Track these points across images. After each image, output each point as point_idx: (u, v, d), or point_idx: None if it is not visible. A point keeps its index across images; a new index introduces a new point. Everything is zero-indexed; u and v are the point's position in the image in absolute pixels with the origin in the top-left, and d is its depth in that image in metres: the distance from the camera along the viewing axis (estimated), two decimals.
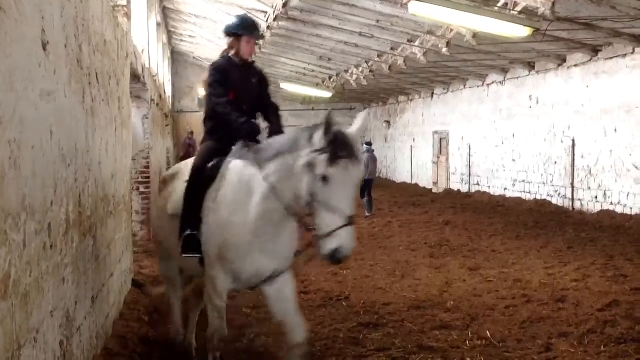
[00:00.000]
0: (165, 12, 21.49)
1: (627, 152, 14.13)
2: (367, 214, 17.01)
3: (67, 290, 4.18)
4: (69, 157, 4.22)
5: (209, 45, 24.63)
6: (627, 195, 14.13)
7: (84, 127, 4.82)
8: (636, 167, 13.82)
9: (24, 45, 3.22)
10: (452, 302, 7.84)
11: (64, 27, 4.10)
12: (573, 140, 16.11)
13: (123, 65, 7.66)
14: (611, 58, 14.58)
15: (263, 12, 15.80)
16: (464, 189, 22.46)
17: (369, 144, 18.54)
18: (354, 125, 4.42)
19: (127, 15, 8.59)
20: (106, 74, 6.04)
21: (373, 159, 17.83)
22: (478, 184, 21.59)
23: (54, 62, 3.80)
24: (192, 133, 27.62)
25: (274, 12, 14.93)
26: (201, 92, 32.04)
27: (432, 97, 25.32)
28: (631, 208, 13.98)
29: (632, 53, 13.84)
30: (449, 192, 22.83)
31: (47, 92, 3.65)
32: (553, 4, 10.11)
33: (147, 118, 11.80)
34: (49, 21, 3.69)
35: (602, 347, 5.99)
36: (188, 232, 4.90)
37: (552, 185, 17.13)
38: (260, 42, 17.97)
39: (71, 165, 4.31)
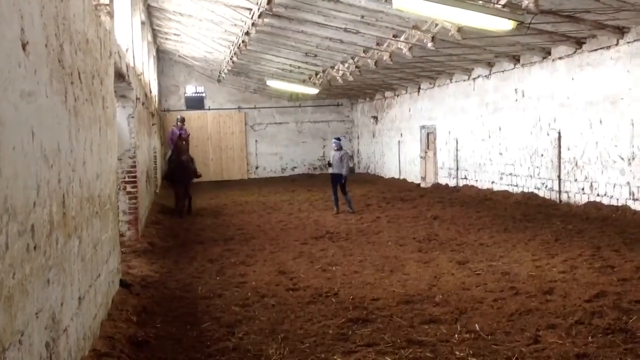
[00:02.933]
0: (149, 10, 21.36)
1: (612, 143, 14.21)
2: (351, 210, 16.97)
3: (52, 292, 4.16)
4: (51, 157, 4.19)
5: (194, 43, 24.53)
6: (613, 187, 14.22)
7: (66, 127, 4.78)
8: (622, 159, 13.91)
9: (2, 46, 3.18)
10: (440, 296, 7.87)
11: (44, 26, 4.06)
12: (559, 133, 16.18)
13: (106, 64, 7.61)
14: (595, 50, 14.65)
15: (247, 9, 15.73)
16: (452, 183, 22.51)
17: (339, 139, 18.38)
18: None
19: (110, 14, 8.54)
20: (89, 73, 6.00)
21: (348, 155, 17.72)
22: (465, 178, 21.64)
23: (34, 61, 3.76)
24: (182, 120, 20.57)
25: (258, 8, 14.86)
26: (188, 89, 32.03)
27: (419, 91, 25.35)
28: (617, 199, 14.07)
29: (616, 45, 13.92)
30: (437, 187, 22.88)
31: (28, 92, 3.62)
32: None
33: (133, 117, 11.75)
34: (28, 20, 3.65)
35: (589, 337, 6.03)
36: None
37: (539, 178, 17.21)
38: (246, 39, 17.93)
39: (54, 166, 4.28)
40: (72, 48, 5.10)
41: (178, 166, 17.45)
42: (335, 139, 18.39)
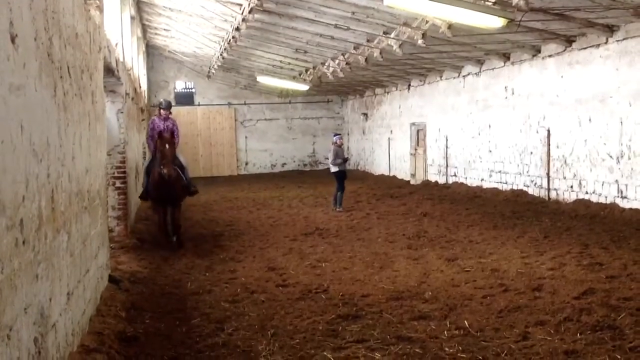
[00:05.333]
0: (139, 5, 21.25)
1: (601, 141, 14.27)
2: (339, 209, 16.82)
3: (41, 287, 4.13)
4: (40, 152, 4.16)
5: (184, 38, 24.43)
6: (602, 185, 14.29)
7: (55, 121, 4.75)
8: (610, 157, 13.98)
9: None
10: (430, 293, 7.88)
11: (33, 19, 4.03)
12: (548, 131, 16.24)
13: (96, 58, 7.57)
14: (585, 48, 14.70)
15: (238, 4, 15.69)
16: (442, 180, 22.56)
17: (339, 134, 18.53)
18: None
19: (99, 9, 8.48)
20: (78, 67, 5.96)
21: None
22: (455, 175, 21.70)
23: (23, 55, 3.73)
24: (167, 106, 12.72)
25: (249, 4, 14.83)
26: (178, 85, 31.90)
27: (409, 88, 25.36)
28: (606, 197, 14.14)
29: (606, 43, 13.97)
30: (426, 184, 22.92)
31: (17, 86, 3.59)
32: None
33: (122, 112, 11.69)
34: (17, 14, 3.62)
35: (578, 334, 6.06)
36: None
37: (528, 175, 17.28)
38: (236, 35, 17.87)
39: (43, 161, 4.25)
40: (62, 42, 5.06)
41: (159, 180, 11.31)
42: (337, 133, 18.38)
